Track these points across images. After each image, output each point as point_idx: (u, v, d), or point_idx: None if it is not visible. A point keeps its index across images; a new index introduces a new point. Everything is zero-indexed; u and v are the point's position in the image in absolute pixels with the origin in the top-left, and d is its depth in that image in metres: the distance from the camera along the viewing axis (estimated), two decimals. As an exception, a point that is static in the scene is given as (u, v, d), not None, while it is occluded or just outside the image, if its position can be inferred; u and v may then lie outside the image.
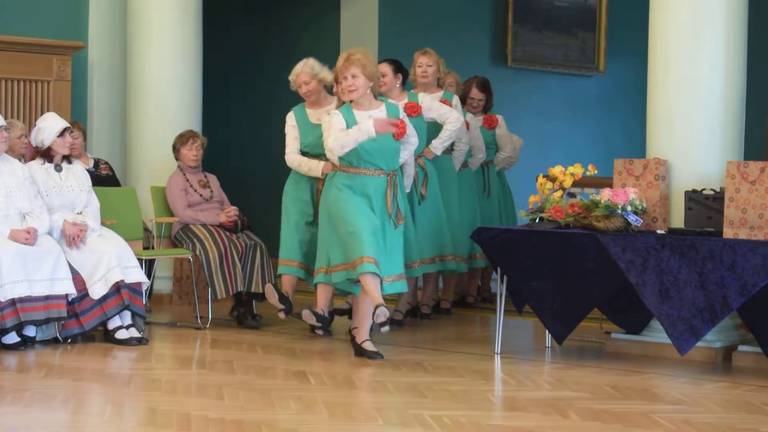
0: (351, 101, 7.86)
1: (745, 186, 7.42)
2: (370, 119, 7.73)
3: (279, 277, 8.93)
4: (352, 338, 8.13)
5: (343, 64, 7.76)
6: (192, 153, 9.58)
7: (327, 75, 8.64)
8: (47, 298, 8.17)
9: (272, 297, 8.62)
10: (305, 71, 8.63)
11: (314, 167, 8.53)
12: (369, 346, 7.90)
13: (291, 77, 8.68)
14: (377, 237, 7.77)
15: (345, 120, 7.76)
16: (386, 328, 7.83)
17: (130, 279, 8.46)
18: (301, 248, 8.70)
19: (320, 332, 8.57)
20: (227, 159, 12.81)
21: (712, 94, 8.00)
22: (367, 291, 7.70)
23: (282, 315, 8.67)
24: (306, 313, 8.01)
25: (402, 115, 7.97)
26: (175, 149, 9.64)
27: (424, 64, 9.37)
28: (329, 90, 8.71)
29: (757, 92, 9.82)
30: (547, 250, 7.92)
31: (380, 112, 7.84)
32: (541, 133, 13.54)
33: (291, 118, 8.69)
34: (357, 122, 7.72)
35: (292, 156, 8.64)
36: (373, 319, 7.69)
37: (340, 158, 7.82)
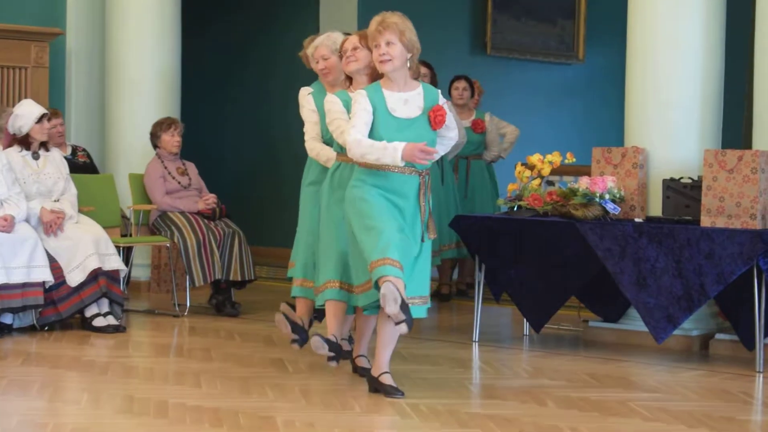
0: (380, 78, 6.36)
1: (722, 174, 7.43)
2: (398, 148, 6.12)
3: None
4: (356, 368, 6.91)
5: (375, 29, 6.22)
6: (174, 139, 9.55)
7: None
8: (24, 285, 8.14)
9: (283, 327, 7.17)
10: (326, 44, 7.26)
11: (332, 157, 7.04)
12: (387, 379, 6.40)
13: (309, 51, 7.34)
14: (405, 244, 6.22)
15: (372, 103, 6.24)
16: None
17: (108, 266, 8.44)
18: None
19: (334, 363, 6.73)
20: (204, 146, 12.76)
21: (690, 83, 8.01)
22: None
23: (295, 346, 7.18)
24: (316, 342, 6.54)
25: (442, 101, 6.37)
26: (156, 136, 9.59)
27: None
28: None
29: (735, 81, 9.83)
30: (525, 239, 7.93)
31: (416, 95, 6.31)
32: (521, 121, 13.45)
33: (310, 102, 7.23)
34: (387, 107, 6.24)
35: (312, 143, 7.18)
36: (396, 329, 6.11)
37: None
